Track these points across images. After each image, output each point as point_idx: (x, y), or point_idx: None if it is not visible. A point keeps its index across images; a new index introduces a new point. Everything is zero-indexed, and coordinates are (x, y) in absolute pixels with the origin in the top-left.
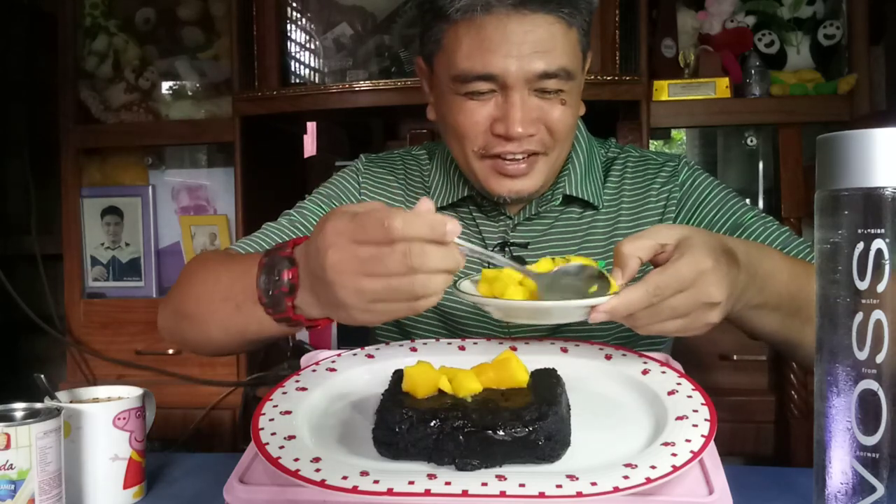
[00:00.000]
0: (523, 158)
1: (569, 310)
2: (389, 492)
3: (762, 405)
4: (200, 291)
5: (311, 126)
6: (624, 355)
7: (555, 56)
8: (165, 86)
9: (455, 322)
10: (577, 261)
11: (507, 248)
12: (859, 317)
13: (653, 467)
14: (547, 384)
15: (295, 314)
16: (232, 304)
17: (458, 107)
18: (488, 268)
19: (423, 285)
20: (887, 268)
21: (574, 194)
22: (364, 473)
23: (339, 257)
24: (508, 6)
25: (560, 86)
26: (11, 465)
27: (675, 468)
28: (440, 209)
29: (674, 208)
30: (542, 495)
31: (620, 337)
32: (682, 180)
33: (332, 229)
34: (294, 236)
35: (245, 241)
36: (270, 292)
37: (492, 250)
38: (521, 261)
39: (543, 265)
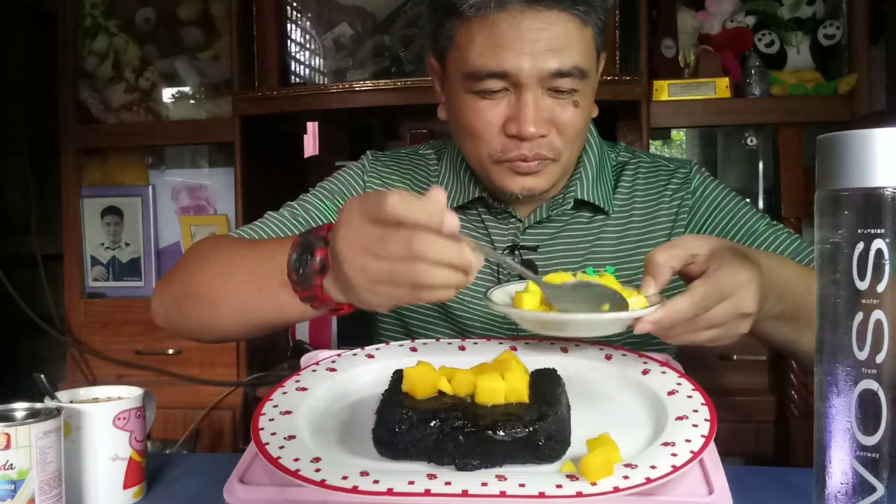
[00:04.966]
0: (535, 160)
1: (607, 323)
2: (389, 492)
3: (762, 405)
4: (216, 272)
5: (312, 126)
6: (624, 355)
7: (569, 54)
8: (165, 86)
9: (460, 321)
10: (591, 278)
11: (516, 252)
12: (859, 317)
13: (653, 467)
14: (547, 384)
15: (322, 293)
16: (254, 286)
17: (469, 106)
18: (499, 273)
19: (424, 273)
20: (887, 268)
21: (585, 199)
22: (364, 473)
23: (348, 233)
24: (523, 3)
25: (574, 85)
26: (11, 465)
27: (675, 468)
28: None
29: (686, 215)
30: (542, 495)
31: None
32: (695, 187)
33: (350, 206)
34: (295, 228)
35: (245, 228)
36: (301, 270)
37: (502, 253)
38: (532, 267)
39: (560, 278)
